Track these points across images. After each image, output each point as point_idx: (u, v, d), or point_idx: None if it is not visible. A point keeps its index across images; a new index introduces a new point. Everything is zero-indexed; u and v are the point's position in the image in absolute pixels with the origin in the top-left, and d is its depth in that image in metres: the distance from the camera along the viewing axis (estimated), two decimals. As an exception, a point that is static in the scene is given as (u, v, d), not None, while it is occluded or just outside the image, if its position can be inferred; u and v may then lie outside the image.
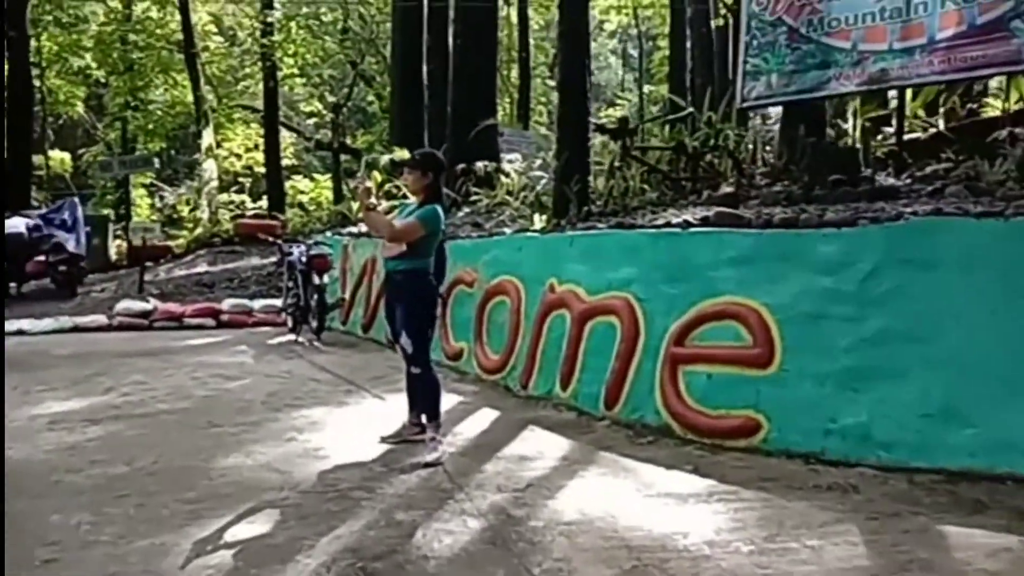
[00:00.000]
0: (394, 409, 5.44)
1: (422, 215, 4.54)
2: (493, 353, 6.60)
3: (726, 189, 5.89)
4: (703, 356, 4.87)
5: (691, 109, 7.80)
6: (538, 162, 8.44)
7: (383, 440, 4.79)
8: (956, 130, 6.92)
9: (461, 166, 9.76)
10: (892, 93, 7.66)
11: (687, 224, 5.31)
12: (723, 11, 19.44)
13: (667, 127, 7.89)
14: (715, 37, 15.12)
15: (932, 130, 7.17)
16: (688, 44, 17.27)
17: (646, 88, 29.94)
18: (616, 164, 7.23)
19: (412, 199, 4.80)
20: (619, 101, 30.35)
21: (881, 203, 5.19)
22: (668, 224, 5.47)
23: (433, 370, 4.66)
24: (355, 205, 10.13)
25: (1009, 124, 6.34)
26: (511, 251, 6.83)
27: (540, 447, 4.70)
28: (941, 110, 7.61)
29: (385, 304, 4.91)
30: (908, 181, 6.28)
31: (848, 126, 8.80)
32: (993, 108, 7.15)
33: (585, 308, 5.68)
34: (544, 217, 6.84)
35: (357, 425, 5.24)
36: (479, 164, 9.59)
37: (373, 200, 4.64)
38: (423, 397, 4.66)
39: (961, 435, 3.97)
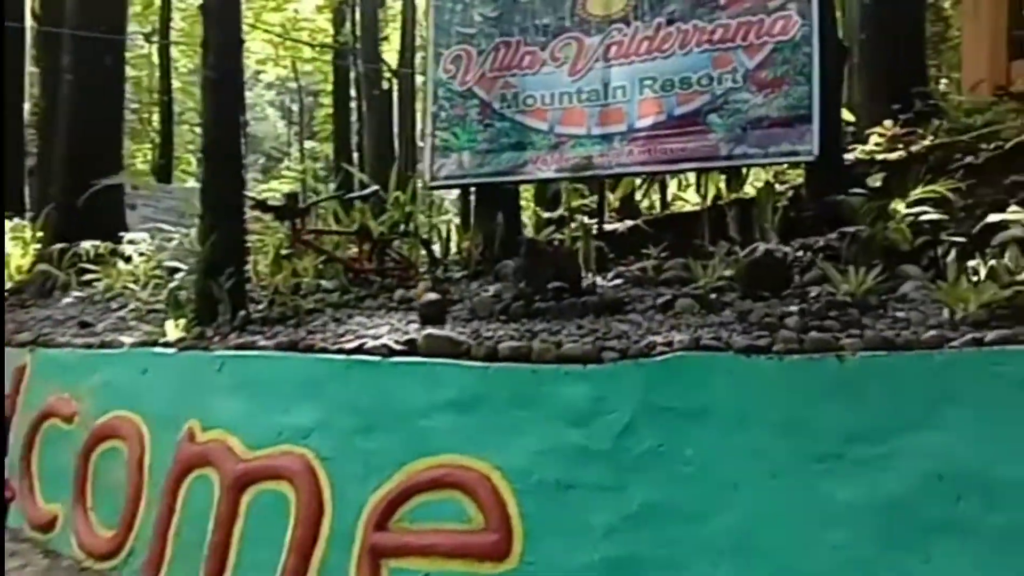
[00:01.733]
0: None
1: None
2: (103, 528, 4.57)
3: (429, 296, 4.67)
4: (416, 547, 3.50)
5: (376, 187, 6.54)
6: (174, 240, 6.47)
7: None
8: (653, 224, 6.56)
9: (59, 246, 7.27)
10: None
11: (388, 351, 3.95)
12: (387, 73, 18.85)
13: (344, 205, 6.52)
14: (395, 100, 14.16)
15: (628, 223, 6.74)
16: (355, 104, 16.30)
17: (309, 144, 28.51)
18: (283, 252, 5.66)
19: None
20: (285, 172, 28.46)
21: (613, 321, 4.33)
22: (361, 348, 4.05)
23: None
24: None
25: (706, 220, 6.06)
26: (131, 373, 4.89)
27: None
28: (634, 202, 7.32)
29: None
30: (618, 282, 5.63)
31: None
32: (687, 203, 6.94)
33: (242, 470, 4.01)
34: (182, 323, 5.02)
35: None
36: (86, 245, 7.17)
37: None
38: None
39: (758, 648, 3.08)
